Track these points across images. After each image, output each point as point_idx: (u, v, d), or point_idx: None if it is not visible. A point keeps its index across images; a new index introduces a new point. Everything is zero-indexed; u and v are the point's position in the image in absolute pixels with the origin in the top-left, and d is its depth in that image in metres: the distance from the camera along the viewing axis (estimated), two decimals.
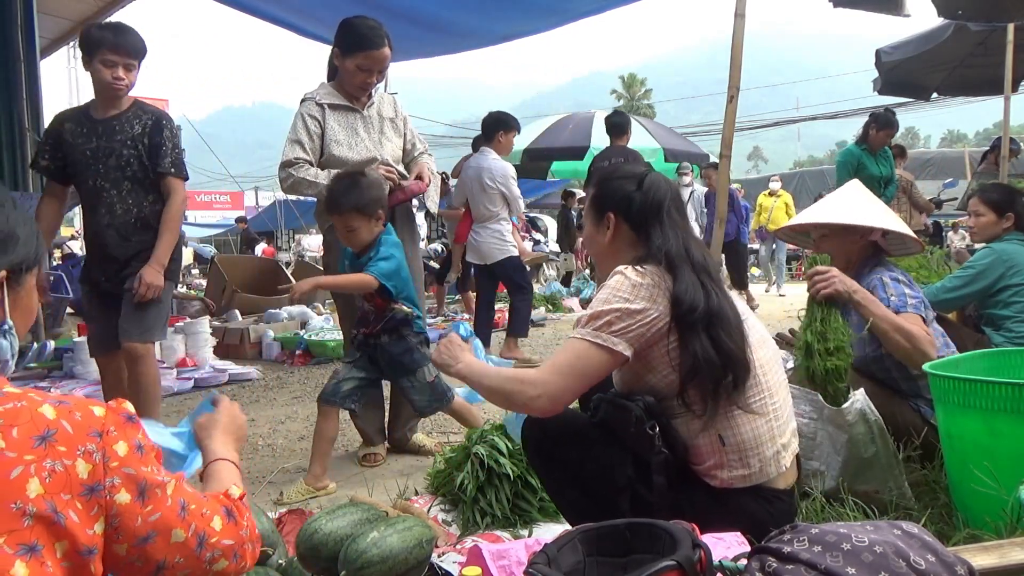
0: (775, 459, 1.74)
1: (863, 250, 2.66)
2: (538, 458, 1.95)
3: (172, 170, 3.12)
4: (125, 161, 3.06)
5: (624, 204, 1.87)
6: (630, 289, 1.71)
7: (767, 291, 11.98)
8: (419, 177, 3.27)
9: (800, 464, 1.94)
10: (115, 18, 7.08)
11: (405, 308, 2.92)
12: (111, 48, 2.97)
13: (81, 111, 3.15)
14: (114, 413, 1.03)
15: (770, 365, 1.81)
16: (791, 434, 1.83)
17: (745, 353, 1.71)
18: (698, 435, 1.72)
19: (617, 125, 6.39)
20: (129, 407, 1.06)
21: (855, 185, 2.85)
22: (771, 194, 11.71)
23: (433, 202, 3.49)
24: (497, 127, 5.57)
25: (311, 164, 3.16)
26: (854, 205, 2.69)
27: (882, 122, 6.01)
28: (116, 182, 3.06)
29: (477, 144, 6.02)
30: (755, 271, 13.99)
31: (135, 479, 1.00)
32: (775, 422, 1.76)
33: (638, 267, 1.75)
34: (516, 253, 5.62)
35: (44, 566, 0.90)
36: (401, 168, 3.36)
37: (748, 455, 1.72)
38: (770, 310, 9.17)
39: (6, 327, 1.07)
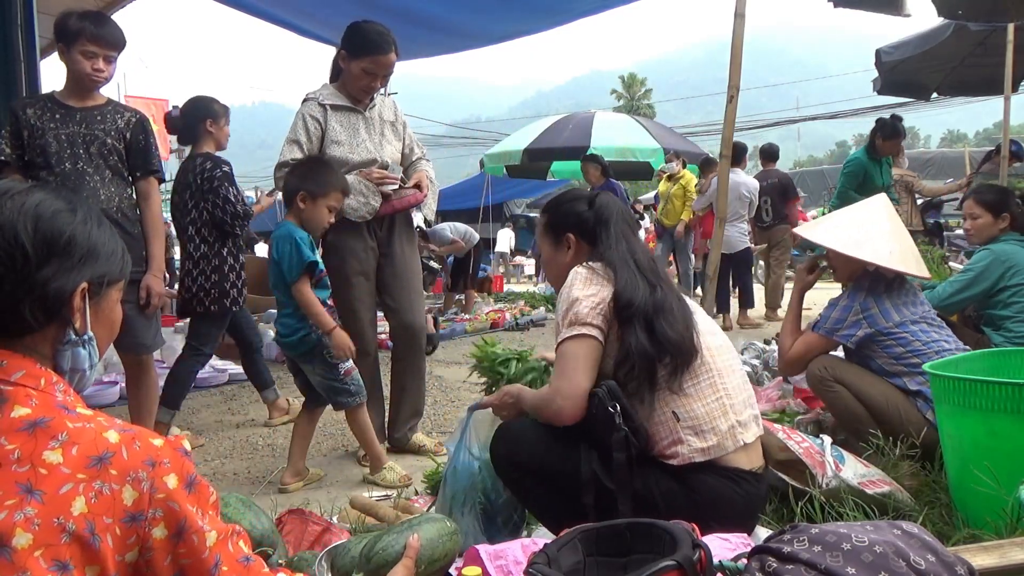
0: (731, 433, 1.81)
1: (864, 271, 2.73)
2: (507, 471, 1.99)
3: (156, 171, 3.11)
4: (108, 150, 2.97)
5: (579, 224, 2.05)
6: (584, 279, 1.90)
7: None
8: (418, 186, 3.27)
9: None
10: (115, 18, 7.07)
11: None
12: (91, 39, 2.83)
13: (44, 98, 3.00)
14: (171, 446, 1.04)
15: (719, 351, 1.91)
16: (751, 419, 1.90)
17: (690, 340, 1.83)
18: (652, 415, 1.80)
19: (770, 152, 8.14)
20: (186, 443, 1.07)
21: (877, 204, 2.85)
22: (670, 178, 8.77)
23: (431, 210, 3.47)
24: (745, 153, 7.76)
25: None
26: (867, 232, 2.70)
27: (888, 132, 5.92)
28: (99, 168, 2.96)
29: (708, 165, 8.23)
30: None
31: (176, 516, 0.99)
32: (727, 400, 1.84)
33: (585, 263, 1.95)
34: (749, 245, 7.54)
35: None
36: (401, 171, 3.36)
37: (703, 429, 1.79)
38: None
39: (86, 337, 1.10)
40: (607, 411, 1.75)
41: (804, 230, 2.95)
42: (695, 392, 1.81)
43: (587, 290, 1.87)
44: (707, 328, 1.94)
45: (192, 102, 3.85)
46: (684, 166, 8.89)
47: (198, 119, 3.74)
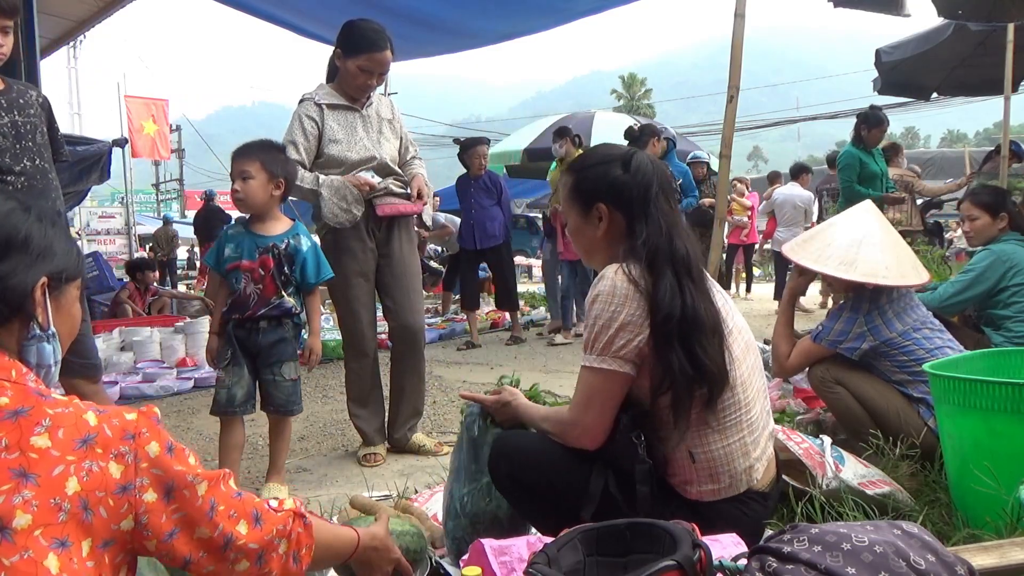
0: (746, 473, 1.71)
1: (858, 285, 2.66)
2: (509, 489, 1.86)
3: (65, 159, 2.76)
4: (46, 139, 2.58)
5: (613, 191, 1.77)
6: (622, 298, 1.67)
7: (553, 339, 6.83)
8: (419, 194, 3.30)
9: (779, 462, 1.93)
10: (115, 18, 7.05)
11: (293, 300, 2.78)
12: None
13: None
14: (146, 416, 1.09)
15: (750, 378, 1.75)
16: (767, 439, 1.79)
17: (723, 366, 1.66)
18: (671, 449, 1.70)
19: (832, 159, 8.79)
20: (157, 411, 1.12)
21: (863, 213, 2.80)
22: (561, 162, 6.60)
23: (428, 215, 3.56)
24: (804, 171, 9.34)
25: (303, 165, 3.15)
26: (859, 248, 2.64)
27: (872, 121, 5.98)
28: (49, 161, 2.58)
29: (772, 178, 10.36)
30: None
31: (163, 479, 1.06)
32: (749, 436, 1.72)
33: (624, 268, 1.70)
34: None
35: (71, 562, 0.96)
36: (398, 170, 3.38)
37: (718, 471, 1.69)
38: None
39: (49, 333, 1.14)
40: (631, 440, 1.67)
41: (794, 253, 2.80)
42: (717, 431, 1.68)
43: (626, 315, 1.66)
44: (741, 349, 1.75)
45: (648, 124, 5.92)
46: (579, 146, 6.48)
47: (648, 135, 5.93)
